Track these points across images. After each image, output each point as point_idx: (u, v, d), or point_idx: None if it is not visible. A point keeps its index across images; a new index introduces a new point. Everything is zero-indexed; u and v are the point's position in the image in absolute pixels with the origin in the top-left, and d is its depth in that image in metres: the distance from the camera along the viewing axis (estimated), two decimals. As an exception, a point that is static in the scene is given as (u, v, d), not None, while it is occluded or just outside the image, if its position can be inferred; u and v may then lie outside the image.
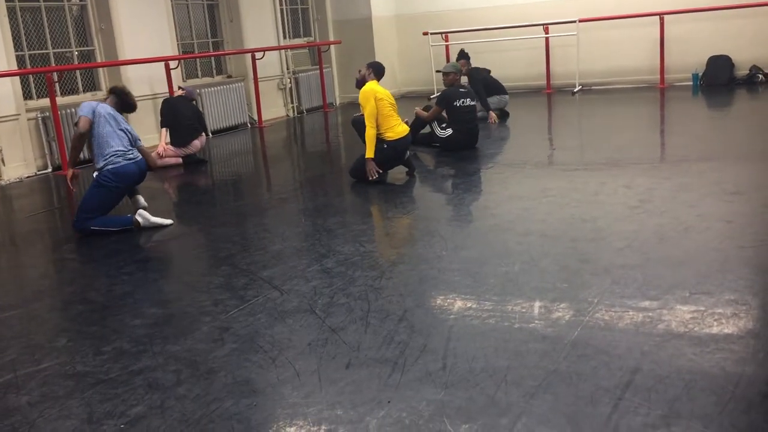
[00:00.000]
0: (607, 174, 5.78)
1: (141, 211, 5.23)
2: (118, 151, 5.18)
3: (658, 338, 2.85)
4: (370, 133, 6.13)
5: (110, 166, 5.15)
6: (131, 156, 5.26)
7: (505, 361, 2.77)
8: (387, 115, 6.20)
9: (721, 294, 3.23)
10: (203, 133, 8.25)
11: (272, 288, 3.79)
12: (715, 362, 2.64)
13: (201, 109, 9.76)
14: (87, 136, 5.23)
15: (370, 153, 6.14)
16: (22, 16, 8.15)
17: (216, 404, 2.62)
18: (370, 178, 6.12)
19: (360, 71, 6.49)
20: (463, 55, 9.55)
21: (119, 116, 5.41)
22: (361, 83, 6.38)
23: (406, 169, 6.44)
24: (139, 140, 5.48)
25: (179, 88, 8.62)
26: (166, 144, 7.96)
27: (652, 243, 4.02)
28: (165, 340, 3.24)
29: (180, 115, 7.93)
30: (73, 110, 7.77)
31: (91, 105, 5.29)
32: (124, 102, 5.48)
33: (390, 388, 2.63)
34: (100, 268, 4.55)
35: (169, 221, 5.29)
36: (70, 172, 5.37)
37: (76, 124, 5.27)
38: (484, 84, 9.25)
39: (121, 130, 5.30)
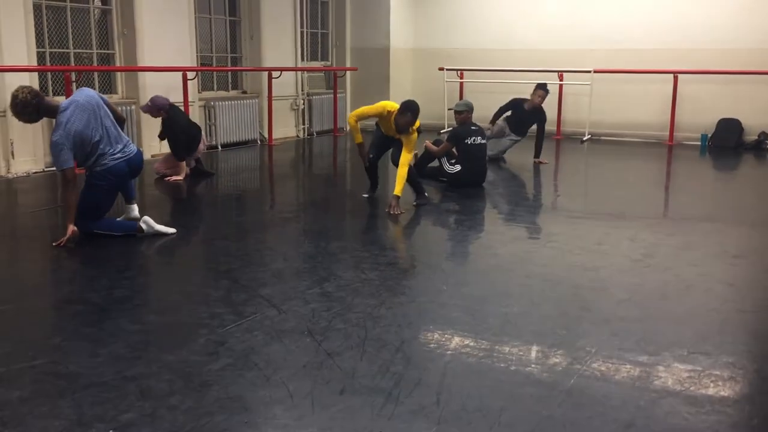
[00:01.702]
0: (612, 225, 5.80)
1: (146, 218, 5.23)
2: (104, 152, 5.00)
3: (654, 394, 2.84)
4: (405, 172, 6.13)
5: (98, 168, 5.03)
6: (119, 155, 5.07)
7: (499, 402, 2.76)
8: None
9: (719, 356, 3.22)
10: (202, 135, 8.02)
11: (271, 306, 3.79)
12: (709, 424, 2.63)
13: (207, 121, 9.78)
14: (77, 178, 4.92)
15: (400, 191, 6.13)
16: (47, 14, 8.24)
17: (207, 418, 2.61)
18: (396, 212, 6.06)
19: (404, 119, 6.04)
20: (543, 87, 9.12)
21: (87, 106, 4.92)
22: (407, 129, 6.14)
23: (415, 199, 6.47)
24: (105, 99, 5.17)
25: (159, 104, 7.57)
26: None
27: (654, 298, 4.02)
28: (160, 348, 3.23)
29: (185, 131, 7.58)
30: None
31: (63, 142, 4.80)
32: (42, 108, 4.96)
33: (382, 419, 2.62)
34: (101, 269, 4.54)
35: (172, 230, 5.29)
36: (70, 230, 4.89)
37: (61, 171, 4.86)
38: (520, 121, 9.18)
39: (101, 118, 4.97)
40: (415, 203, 6.45)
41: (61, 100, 7.82)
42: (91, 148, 4.98)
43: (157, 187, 7.36)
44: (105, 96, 5.26)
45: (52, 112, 4.97)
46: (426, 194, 6.59)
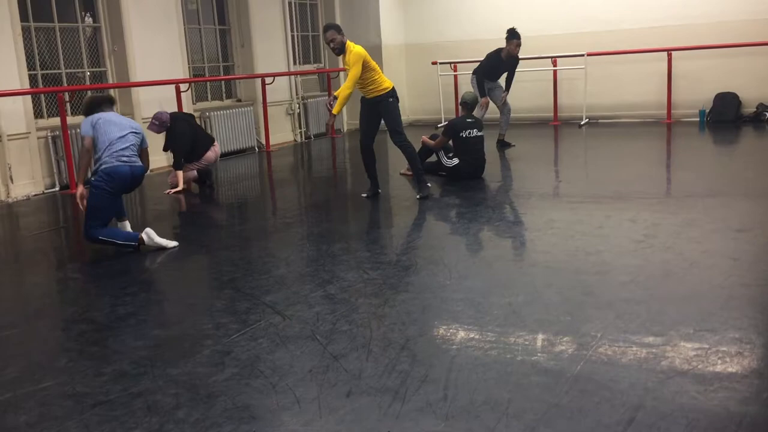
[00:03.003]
0: (613, 207, 5.79)
1: (148, 229, 5.25)
2: (113, 152, 5.18)
3: (661, 375, 2.83)
4: (346, 93, 6.37)
5: (103, 167, 5.16)
6: (125, 159, 5.22)
7: (506, 394, 2.75)
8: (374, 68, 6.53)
9: (726, 332, 3.21)
10: (215, 143, 7.97)
11: (275, 313, 3.78)
12: (718, 401, 2.61)
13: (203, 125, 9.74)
14: (92, 152, 5.29)
15: (338, 111, 6.44)
16: (36, 36, 8.25)
17: (215, 429, 2.61)
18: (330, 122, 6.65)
19: (325, 38, 6.45)
20: (516, 36, 9.30)
21: (124, 119, 5.48)
22: (340, 48, 6.41)
23: (418, 192, 6.51)
24: (146, 143, 5.50)
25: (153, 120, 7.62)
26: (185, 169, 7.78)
27: (657, 278, 4.01)
28: (166, 362, 3.23)
29: (188, 141, 7.62)
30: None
31: (90, 120, 5.33)
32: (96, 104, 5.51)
33: (390, 418, 2.61)
34: (104, 287, 4.55)
35: (174, 243, 5.29)
36: (79, 190, 5.30)
37: (82, 138, 5.34)
38: (495, 68, 9.43)
39: (127, 131, 5.31)
40: (418, 197, 6.46)
41: (55, 121, 7.94)
42: (103, 137, 5.20)
43: (158, 200, 7.37)
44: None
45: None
46: (429, 184, 6.63)
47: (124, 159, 5.22)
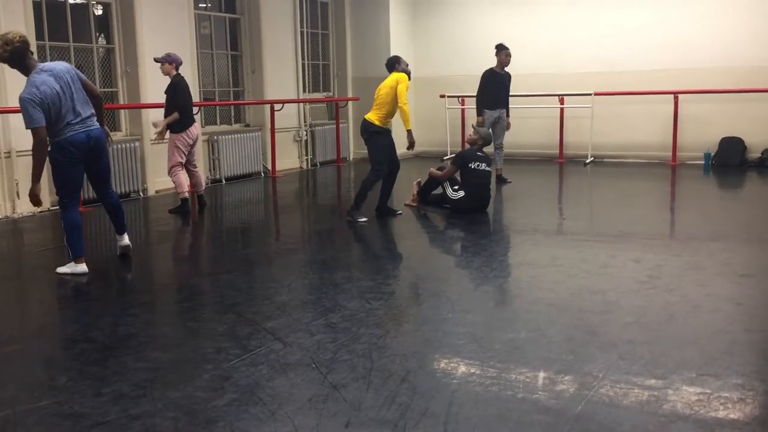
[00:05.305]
0: (617, 247, 5.79)
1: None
2: (68, 123, 4.95)
3: (663, 418, 2.81)
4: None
5: (56, 139, 4.98)
6: (78, 126, 4.98)
7: (507, 431, 2.73)
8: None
9: (728, 377, 3.19)
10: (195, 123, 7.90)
11: (276, 339, 3.77)
12: (720, 447, 2.59)
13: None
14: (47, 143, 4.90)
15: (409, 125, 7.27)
16: (50, 55, 8.34)
17: (212, 455, 2.59)
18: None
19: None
20: (505, 47, 9.50)
21: (63, 76, 4.95)
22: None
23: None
24: (82, 76, 5.15)
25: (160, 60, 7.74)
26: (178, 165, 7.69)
27: (661, 320, 4.00)
28: (165, 385, 3.22)
29: (186, 104, 7.70)
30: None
31: (35, 101, 4.74)
32: (22, 53, 4.86)
33: (389, 451, 2.59)
34: (106, 307, 4.55)
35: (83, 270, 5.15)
36: (35, 189, 4.93)
37: (33, 129, 4.79)
38: (497, 89, 9.45)
39: (72, 92, 4.95)
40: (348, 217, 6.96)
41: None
42: (56, 117, 4.92)
43: (162, 221, 7.39)
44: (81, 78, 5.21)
45: (28, 68, 4.92)
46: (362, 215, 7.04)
47: (77, 127, 5.00)
